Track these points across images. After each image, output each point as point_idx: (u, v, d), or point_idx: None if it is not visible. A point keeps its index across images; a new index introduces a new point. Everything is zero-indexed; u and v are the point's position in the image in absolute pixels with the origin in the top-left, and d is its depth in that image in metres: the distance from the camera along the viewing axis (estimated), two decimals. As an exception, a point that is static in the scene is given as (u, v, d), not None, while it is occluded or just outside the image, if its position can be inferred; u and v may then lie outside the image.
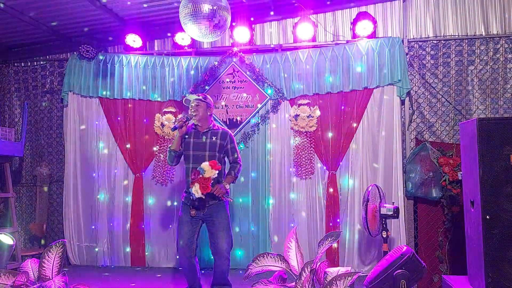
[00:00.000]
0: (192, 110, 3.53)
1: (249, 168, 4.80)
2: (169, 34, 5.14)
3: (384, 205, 3.75)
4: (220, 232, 3.46)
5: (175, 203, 4.89)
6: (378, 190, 3.85)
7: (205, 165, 3.32)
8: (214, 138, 3.54)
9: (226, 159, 3.67)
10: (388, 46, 4.50)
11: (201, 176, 3.30)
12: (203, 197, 3.32)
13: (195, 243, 3.51)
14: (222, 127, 3.75)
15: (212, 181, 3.33)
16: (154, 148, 4.97)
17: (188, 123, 3.56)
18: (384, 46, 4.51)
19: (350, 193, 4.59)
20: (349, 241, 4.56)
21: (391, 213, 3.70)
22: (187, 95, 3.71)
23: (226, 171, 3.65)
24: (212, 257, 4.63)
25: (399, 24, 4.72)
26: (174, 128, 3.51)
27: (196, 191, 3.27)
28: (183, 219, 3.51)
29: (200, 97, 3.59)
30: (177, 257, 4.80)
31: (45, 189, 5.27)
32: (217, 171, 3.34)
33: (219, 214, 3.47)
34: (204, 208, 3.45)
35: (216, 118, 4.86)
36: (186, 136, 3.58)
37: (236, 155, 3.63)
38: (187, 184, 3.47)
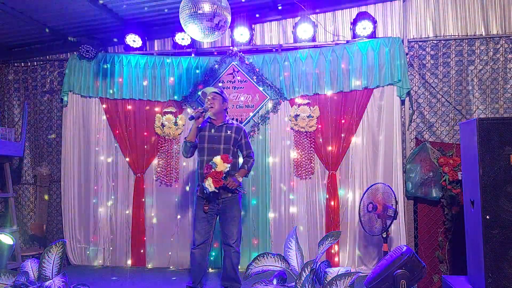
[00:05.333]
0: (209, 102, 3.64)
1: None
2: (169, 34, 5.14)
3: (388, 205, 3.77)
4: (231, 225, 3.58)
5: (177, 203, 4.90)
6: (380, 190, 3.87)
7: (217, 159, 3.45)
8: (229, 132, 3.65)
9: (239, 153, 3.78)
10: (388, 46, 4.49)
11: (213, 170, 3.42)
12: (216, 191, 3.44)
13: (211, 238, 3.64)
14: (236, 122, 3.85)
15: (224, 175, 3.43)
16: (155, 149, 4.97)
17: (205, 114, 3.66)
18: (384, 46, 4.51)
19: (350, 193, 4.59)
20: (349, 241, 4.57)
21: (392, 214, 3.73)
22: (205, 88, 3.92)
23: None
24: (213, 257, 4.66)
25: (399, 24, 4.72)
26: (191, 118, 3.59)
27: (209, 185, 3.40)
28: (198, 215, 3.60)
29: (217, 90, 3.70)
30: (177, 255, 4.82)
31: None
32: (228, 165, 3.46)
33: (232, 207, 3.59)
34: (219, 201, 3.56)
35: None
36: (201, 129, 3.67)
37: (249, 150, 3.76)
38: (201, 176, 3.57)
